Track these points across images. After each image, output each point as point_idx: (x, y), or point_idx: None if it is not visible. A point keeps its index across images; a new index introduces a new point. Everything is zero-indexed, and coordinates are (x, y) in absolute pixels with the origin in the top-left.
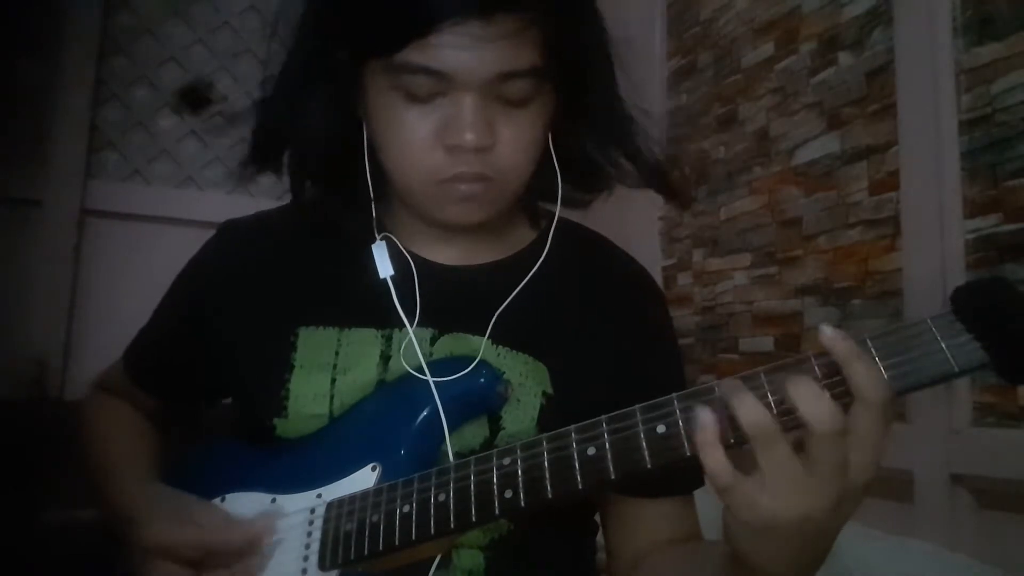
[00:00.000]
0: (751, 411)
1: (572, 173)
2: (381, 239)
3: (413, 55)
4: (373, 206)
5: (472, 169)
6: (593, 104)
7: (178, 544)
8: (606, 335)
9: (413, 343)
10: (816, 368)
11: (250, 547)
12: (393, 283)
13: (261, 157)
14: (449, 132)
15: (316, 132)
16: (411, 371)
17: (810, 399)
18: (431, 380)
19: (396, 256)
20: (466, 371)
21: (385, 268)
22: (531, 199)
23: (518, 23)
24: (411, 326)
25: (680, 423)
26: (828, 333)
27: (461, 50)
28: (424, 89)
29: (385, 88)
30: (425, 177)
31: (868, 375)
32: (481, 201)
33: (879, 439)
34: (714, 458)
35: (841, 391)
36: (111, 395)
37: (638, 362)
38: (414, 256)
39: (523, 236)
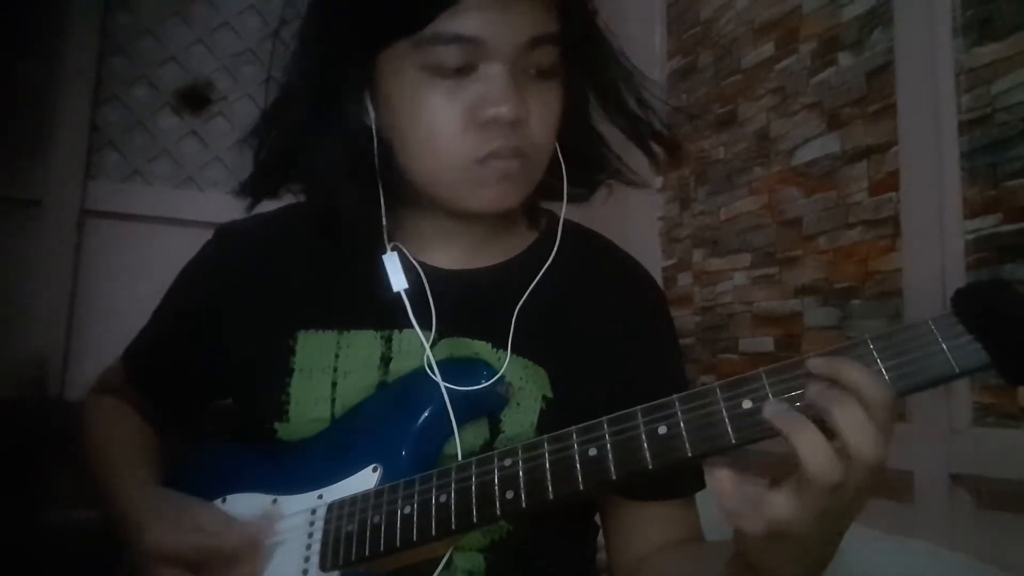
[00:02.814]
0: (819, 454)
1: (574, 162)
2: (392, 249)
3: (444, 24)
4: (384, 215)
5: (509, 143)
6: (603, 71)
7: (179, 547)
8: (607, 338)
9: (425, 346)
10: None
11: (250, 549)
12: (405, 292)
13: (271, 182)
14: (483, 107)
15: (332, 141)
16: (425, 369)
17: (858, 429)
18: (440, 380)
19: (404, 264)
20: (465, 372)
21: (399, 281)
22: (534, 195)
23: None
24: (421, 332)
25: (681, 424)
26: (815, 364)
27: (493, 15)
28: (454, 61)
29: (410, 71)
30: (458, 160)
31: (864, 378)
32: (517, 180)
33: (884, 442)
34: (732, 500)
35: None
36: (110, 397)
37: (639, 365)
38: (418, 262)
39: (523, 238)
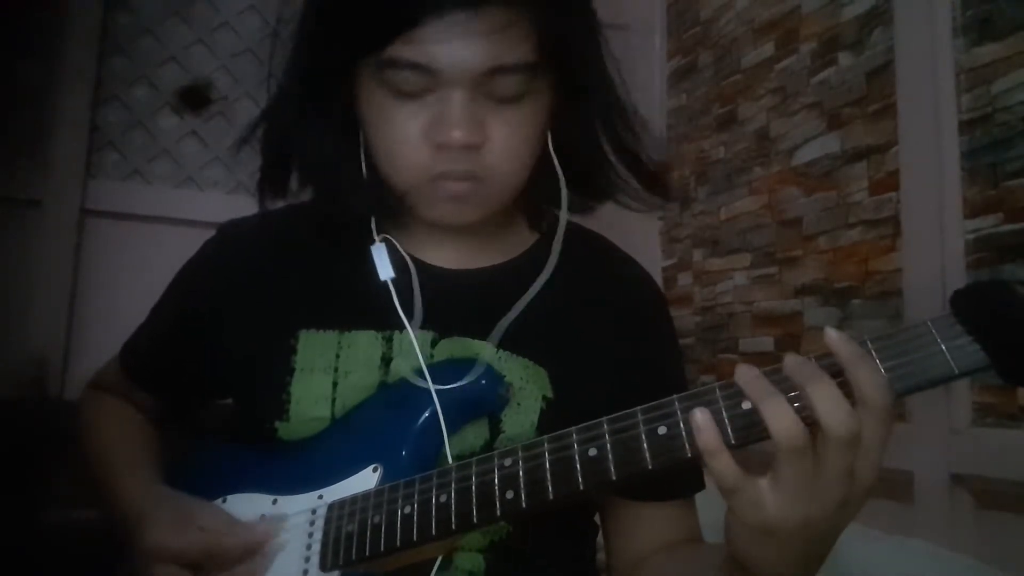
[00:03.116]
0: (783, 418)
1: (576, 177)
2: (380, 241)
3: (400, 50)
4: (372, 209)
5: (460, 167)
6: (592, 100)
7: (180, 547)
8: (607, 338)
9: (413, 345)
10: None
11: (252, 550)
12: (394, 285)
13: (275, 177)
14: (437, 129)
15: (318, 137)
16: (412, 376)
17: (829, 402)
18: (431, 385)
19: (397, 259)
20: (469, 374)
21: (385, 270)
22: (533, 201)
23: (507, 15)
24: (411, 328)
25: (681, 424)
26: (833, 336)
27: (448, 44)
28: (412, 85)
29: (375, 86)
30: (414, 175)
31: (873, 379)
32: (470, 201)
33: (882, 443)
34: (719, 461)
35: (843, 394)
36: (108, 394)
37: (639, 365)
38: (415, 259)
39: (524, 239)
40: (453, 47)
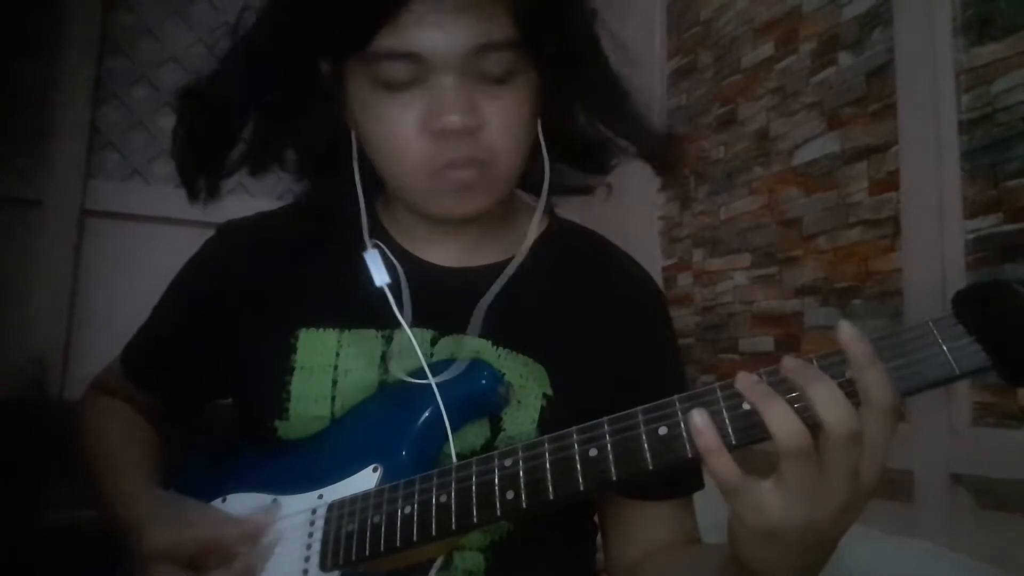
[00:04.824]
0: (786, 422)
1: (569, 154)
2: (372, 247)
3: (386, 41)
4: (364, 213)
5: (462, 153)
6: (581, 76)
7: (176, 545)
8: (607, 337)
9: (413, 345)
10: None
11: (247, 542)
12: (391, 288)
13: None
14: (433, 118)
15: (308, 141)
16: (409, 376)
17: (829, 400)
18: (432, 380)
19: (394, 259)
20: (466, 373)
21: (381, 276)
22: (539, 194)
23: None
24: (408, 329)
25: (682, 424)
26: (847, 331)
27: (434, 27)
28: (402, 76)
29: (365, 84)
30: (416, 170)
31: (881, 380)
32: (477, 189)
33: (884, 444)
34: (720, 463)
35: (846, 394)
36: (109, 396)
37: (639, 365)
38: (412, 257)
39: (525, 236)
40: (438, 30)
